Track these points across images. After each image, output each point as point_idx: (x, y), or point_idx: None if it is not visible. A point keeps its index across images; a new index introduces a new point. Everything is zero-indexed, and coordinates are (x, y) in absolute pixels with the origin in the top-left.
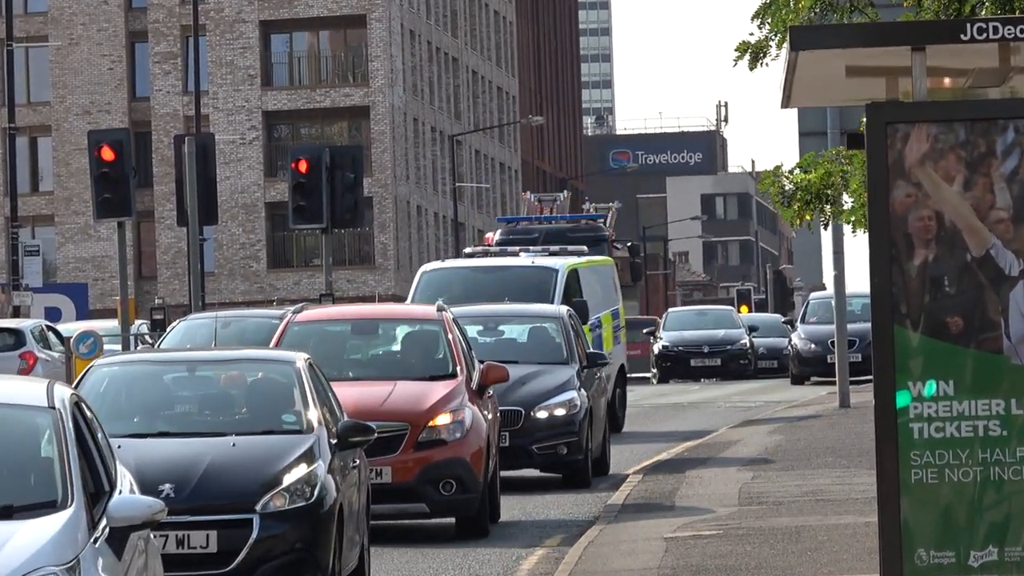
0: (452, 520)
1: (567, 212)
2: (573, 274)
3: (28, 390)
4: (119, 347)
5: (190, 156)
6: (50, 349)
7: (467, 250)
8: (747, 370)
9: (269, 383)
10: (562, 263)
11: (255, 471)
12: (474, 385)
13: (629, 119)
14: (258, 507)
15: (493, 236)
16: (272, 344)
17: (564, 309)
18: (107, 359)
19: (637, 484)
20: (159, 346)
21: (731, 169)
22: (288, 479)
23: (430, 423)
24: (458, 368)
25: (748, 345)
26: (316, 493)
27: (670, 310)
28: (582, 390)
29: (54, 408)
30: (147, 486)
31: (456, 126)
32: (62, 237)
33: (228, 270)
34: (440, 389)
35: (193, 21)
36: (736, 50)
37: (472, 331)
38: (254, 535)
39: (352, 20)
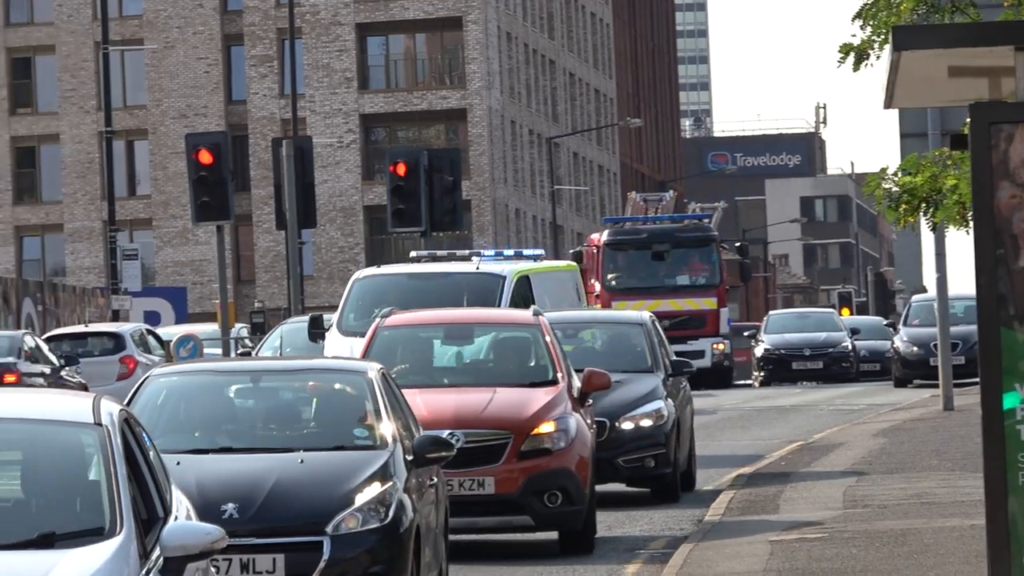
0: (538, 535)
1: (672, 212)
2: (523, 281)
3: (72, 406)
4: (219, 350)
5: (288, 159)
6: (150, 353)
7: (412, 254)
8: (849, 373)
9: (340, 395)
10: (511, 268)
11: (325, 490)
12: (575, 392)
13: (727, 121)
14: (328, 529)
15: (600, 237)
16: (361, 351)
17: (647, 315)
18: (165, 368)
19: (741, 488)
20: (259, 351)
21: (830, 171)
22: (361, 499)
23: (533, 431)
24: (559, 374)
25: (850, 348)
26: (391, 513)
27: (771, 313)
28: (669, 400)
29: (101, 425)
30: (209, 506)
31: (554, 128)
32: (160, 241)
33: (327, 273)
34: (542, 396)
35: (289, 24)
36: (839, 51)
37: None
38: (324, 559)
39: (448, 22)
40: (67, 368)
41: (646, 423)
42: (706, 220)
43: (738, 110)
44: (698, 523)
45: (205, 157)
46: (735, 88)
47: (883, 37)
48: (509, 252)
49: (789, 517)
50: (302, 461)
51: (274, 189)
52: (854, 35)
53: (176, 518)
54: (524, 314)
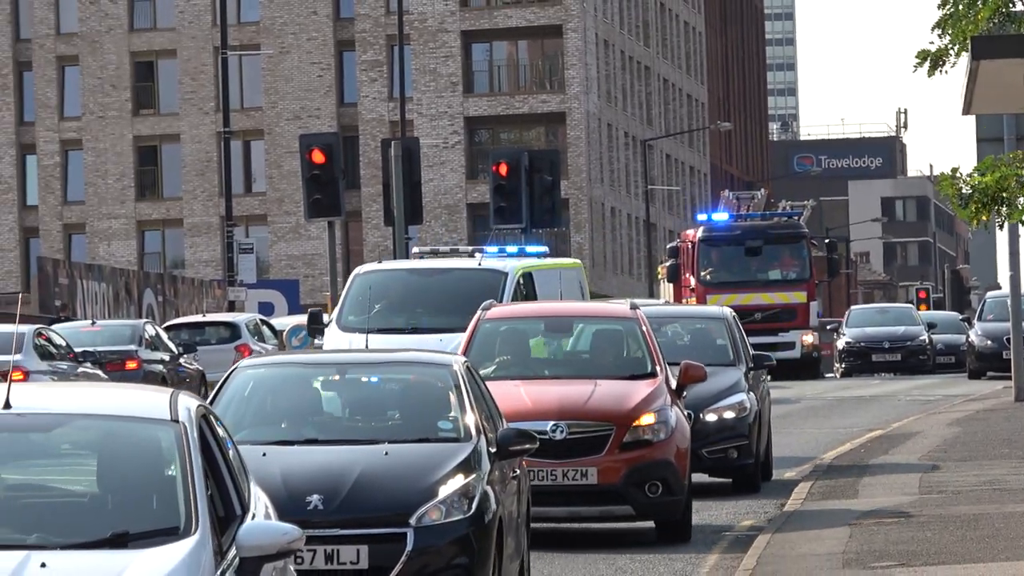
0: (632, 524)
1: (762, 210)
2: (527, 277)
3: (148, 401)
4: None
5: (396, 159)
6: (264, 342)
7: (415, 250)
8: (926, 365)
9: (424, 387)
10: (513, 265)
11: (409, 482)
12: (672, 385)
13: (812, 125)
14: (412, 520)
15: (694, 233)
16: (464, 342)
17: (728, 310)
18: (253, 360)
19: (821, 474)
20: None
21: (910, 173)
22: (444, 490)
23: (635, 423)
24: (657, 367)
25: (927, 341)
26: (475, 505)
27: (852, 308)
28: (751, 392)
29: (177, 421)
30: (294, 497)
31: (648, 131)
32: (274, 236)
33: None
34: (643, 388)
35: (398, 31)
36: (916, 57)
37: None
38: (408, 551)
39: (549, 30)
40: (185, 356)
41: (729, 415)
42: (797, 217)
43: (823, 114)
44: (780, 508)
45: (318, 157)
46: (820, 93)
47: (960, 45)
48: (513, 249)
49: (867, 503)
50: (387, 453)
51: (382, 187)
52: (931, 43)
53: (254, 515)
54: (622, 308)
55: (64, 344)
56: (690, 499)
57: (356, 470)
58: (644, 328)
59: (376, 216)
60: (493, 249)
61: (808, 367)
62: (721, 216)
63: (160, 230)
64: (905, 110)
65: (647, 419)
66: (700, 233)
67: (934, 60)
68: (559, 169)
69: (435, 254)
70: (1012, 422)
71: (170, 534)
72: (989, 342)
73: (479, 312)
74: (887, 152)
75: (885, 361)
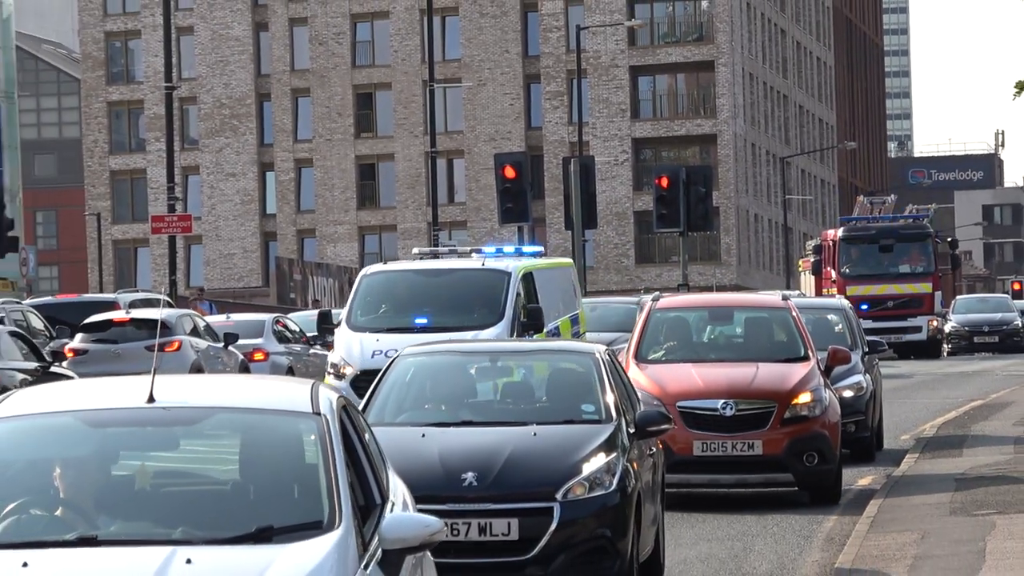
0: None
1: (892, 212)
2: (527, 277)
3: (289, 393)
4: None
5: (574, 174)
6: None
7: (415, 250)
8: (1020, 345)
9: (569, 373)
10: (515, 265)
11: (556, 460)
12: (822, 367)
13: (924, 143)
14: (559, 496)
15: (835, 233)
16: (638, 330)
17: (846, 302)
18: (414, 348)
19: (931, 438)
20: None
21: (1007, 184)
22: (588, 468)
23: (794, 401)
24: (809, 351)
25: (1020, 325)
26: (616, 482)
27: (958, 297)
28: (867, 374)
29: (319, 414)
30: (450, 474)
31: (785, 150)
32: (472, 238)
33: (604, 265)
34: (799, 371)
35: (577, 66)
36: (1015, 87)
37: None
38: (555, 523)
39: (703, 65)
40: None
41: (848, 394)
42: (924, 219)
43: (933, 135)
44: (895, 468)
45: (509, 172)
46: (932, 117)
47: None
48: (510, 249)
49: (970, 462)
50: (535, 434)
51: (563, 198)
52: None
53: (393, 504)
54: (775, 298)
55: (298, 330)
56: (840, 467)
57: (507, 449)
58: (795, 316)
59: (558, 222)
60: (491, 250)
61: (932, 347)
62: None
63: (377, 234)
64: (1003, 131)
65: (804, 397)
66: (841, 232)
67: None
68: (711, 182)
69: (434, 256)
70: None
71: (314, 528)
72: None
73: (649, 302)
74: (987, 167)
75: (985, 342)
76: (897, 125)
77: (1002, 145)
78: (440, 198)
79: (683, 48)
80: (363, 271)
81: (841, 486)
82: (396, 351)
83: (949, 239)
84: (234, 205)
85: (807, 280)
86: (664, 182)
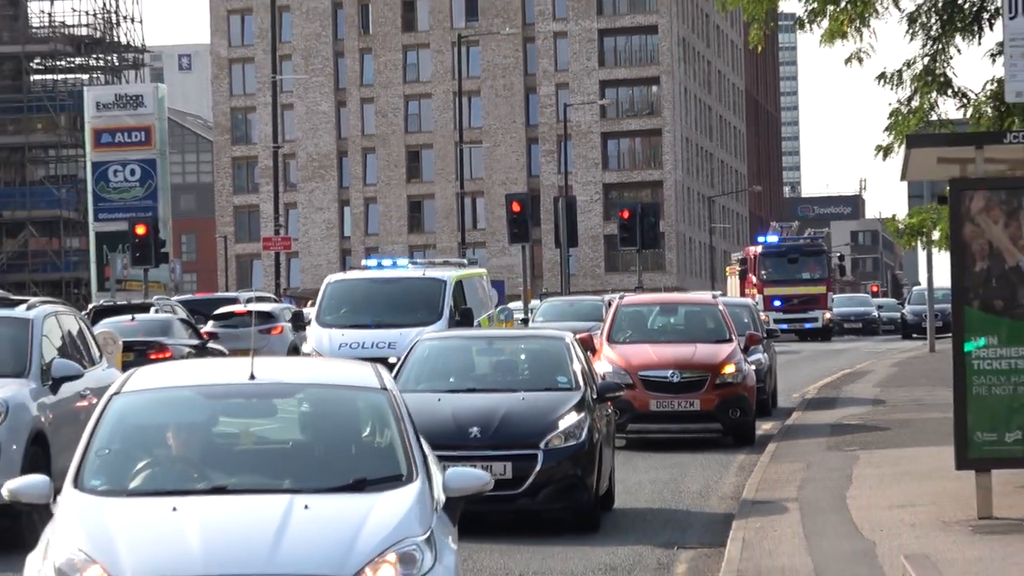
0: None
1: (796, 234)
2: (458, 284)
3: (359, 372)
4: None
5: (562, 209)
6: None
7: (364, 262)
8: (876, 331)
9: (547, 354)
10: (449, 275)
11: (539, 418)
12: (741, 346)
13: (809, 187)
14: (542, 445)
15: (755, 249)
16: (608, 320)
17: (751, 300)
18: (431, 335)
19: (813, 395)
20: (533, 319)
21: (868, 216)
22: (563, 424)
23: (722, 371)
24: (732, 335)
25: (877, 316)
26: (584, 434)
27: (834, 296)
28: (765, 352)
29: (386, 389)
30: (460, 428)
31: (711, 191)
32: (489, 254)
33: (582, 273)
34: (726, 349)
35: (563, 132)
36: (875, 149)
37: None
38: (539, 466)
39: (653, 132)
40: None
41: (752, 367)
42: (820, 239)
43: (816, 180)
44: (785, 420)
45: (516, 207)
46: (815, 167)
47: (900, 140)
48: (439, 261)
49: (841, 412)
50: (523, 399)
51: (554, 225)
52: (884, 140)
53: (427, 459)
54: (707, 297)
55: None
56: (755, 419)
57: (502, 410)
58: (722, 309)
59: (550, 242)
60: (423, 261)
61: (825, 332)
62: (772, 238)
63: (423, 251)
64: (865, 179)
65: (730, 368)
66: (759, 249)
67: (885, 150)
68: (659, 214)
69: (379, 267)
70: (927, 364)
71: (395, 480)
72: (914, 316)
73: (617, 300)
74: (854, 204)
75: (852, 328)
76: (789, 174)
77: (864, 188)
78: (467, 225)
79: (639, 119)
80: (327, 279)
81: (755, 433)
82: (358, 343)
83: (839, 255)
84: (321, 230)
85: (733, 283)
86: (625, 214)
